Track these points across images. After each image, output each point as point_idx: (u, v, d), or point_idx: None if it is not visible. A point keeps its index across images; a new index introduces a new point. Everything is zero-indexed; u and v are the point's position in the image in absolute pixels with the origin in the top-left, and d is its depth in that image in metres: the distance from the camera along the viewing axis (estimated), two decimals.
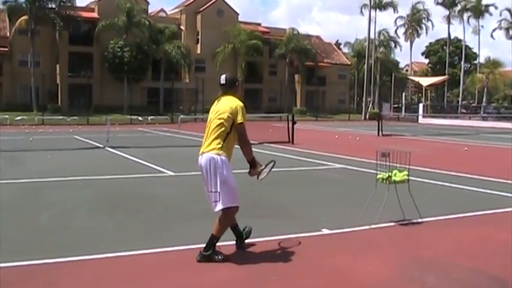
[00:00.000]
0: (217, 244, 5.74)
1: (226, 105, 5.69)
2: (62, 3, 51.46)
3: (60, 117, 34.50)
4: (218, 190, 5.57)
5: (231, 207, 5.68)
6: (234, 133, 5.69)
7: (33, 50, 49.74)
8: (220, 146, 5.61)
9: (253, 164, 5.77)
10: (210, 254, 5.63)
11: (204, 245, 5.70)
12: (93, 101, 51.74)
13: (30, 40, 49.60)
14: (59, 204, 8.76)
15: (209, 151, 5.63)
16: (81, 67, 53.87)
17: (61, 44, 53.14)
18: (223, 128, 5.63)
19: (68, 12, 51.54)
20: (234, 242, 6.12)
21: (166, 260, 5.79)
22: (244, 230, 6.19)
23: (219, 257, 5.65)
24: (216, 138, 5.63)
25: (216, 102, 5.86)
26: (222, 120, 5.64)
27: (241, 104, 5.75)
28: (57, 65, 54.24)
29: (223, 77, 5.88)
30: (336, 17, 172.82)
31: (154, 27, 54.35)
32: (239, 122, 5.61)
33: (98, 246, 6.14)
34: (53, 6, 51.36)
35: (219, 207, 5.62)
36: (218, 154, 5.60)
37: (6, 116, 30.35)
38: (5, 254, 5.78)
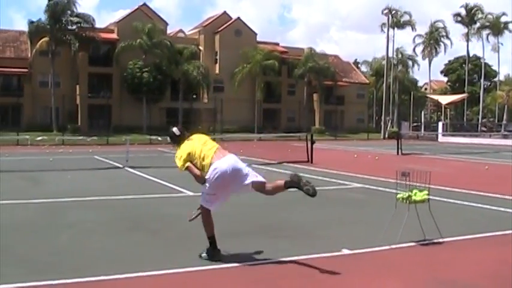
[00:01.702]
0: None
1: None
2: (81, 24, 52.02)
3: (80, 137, 34.83)
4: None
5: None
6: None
7: (54, 71, 50.37)
8: None
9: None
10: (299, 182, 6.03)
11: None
12: (113, 121, 52.16)
13: (50, 61, 50.28)
14: (79, 224, 8.80)
15: None
16: (101, 88, 54.51)
17: (81, 65, 53.84)
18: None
19: (87, 34, 52.07)
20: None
21: (186, 281, 5.78)
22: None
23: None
24: None
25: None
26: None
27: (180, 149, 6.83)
28: (77, 86, 54.85)
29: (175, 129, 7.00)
30: (354, 36, 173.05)
31: (173, 47, 54.75)
32: None
33: (117, 267, 6.14)
34: (73, 27, 51.97)
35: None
36: None
37: (27, 136, 30.65)
38: (23, 274, 5.80)
